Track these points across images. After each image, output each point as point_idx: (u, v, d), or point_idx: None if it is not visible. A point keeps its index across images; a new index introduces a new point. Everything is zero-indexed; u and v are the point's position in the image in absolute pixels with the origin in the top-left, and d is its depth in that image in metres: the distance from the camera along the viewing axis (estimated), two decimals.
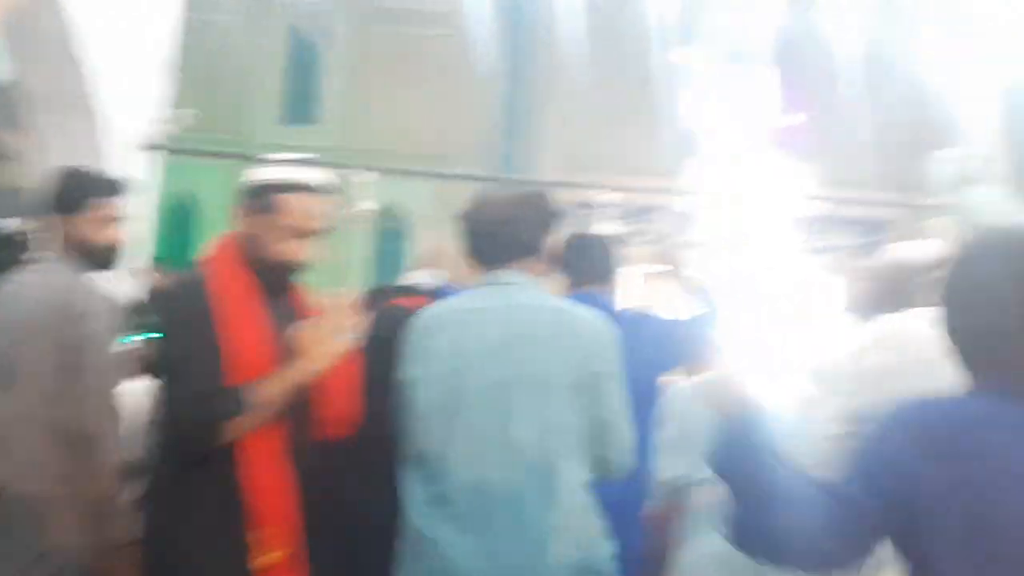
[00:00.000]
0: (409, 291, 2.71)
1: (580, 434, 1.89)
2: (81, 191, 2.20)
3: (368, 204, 6.65)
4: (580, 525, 1.86)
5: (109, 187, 2.24)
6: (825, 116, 10.00)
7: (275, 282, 1.98)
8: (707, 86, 9.96)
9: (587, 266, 2.81)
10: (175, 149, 5.47)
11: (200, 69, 8.35)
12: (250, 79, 10.85)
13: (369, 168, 6.81)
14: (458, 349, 1.92)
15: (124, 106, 4.56)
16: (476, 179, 10.21)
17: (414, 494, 1.90)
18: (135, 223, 4.73)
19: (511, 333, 1.93)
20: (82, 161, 4.33)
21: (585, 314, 1.99)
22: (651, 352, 2.61)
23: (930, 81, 9.75)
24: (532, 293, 2.02)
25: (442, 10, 10.48)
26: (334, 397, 1.97)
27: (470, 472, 1.85)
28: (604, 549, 1.90)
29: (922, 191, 10.28)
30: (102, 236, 2.20)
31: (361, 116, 10.76)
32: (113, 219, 2.22)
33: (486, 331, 1.94)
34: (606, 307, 2.52)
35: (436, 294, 2.52)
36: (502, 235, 2.03)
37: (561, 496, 1.84)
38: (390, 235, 9.98)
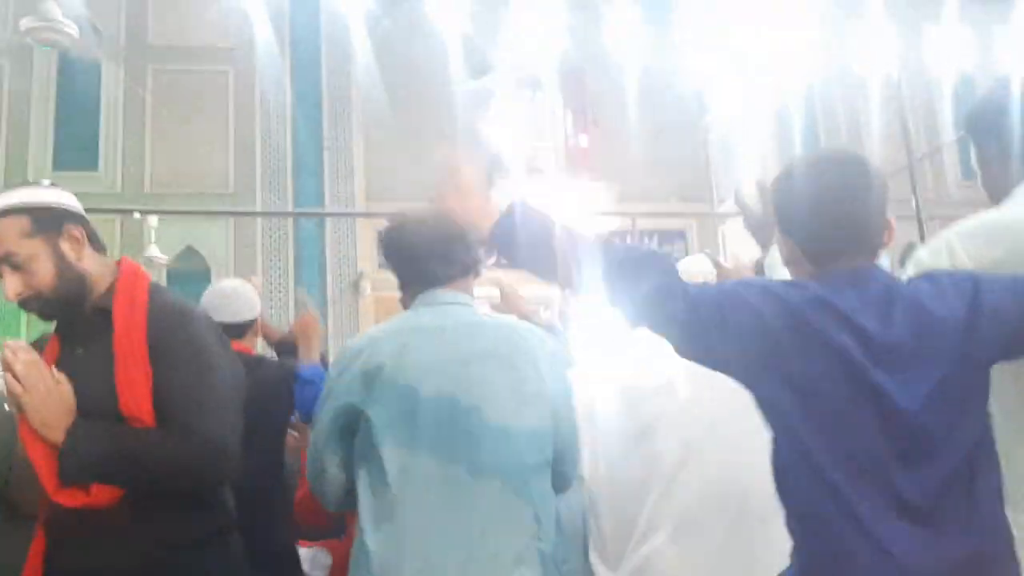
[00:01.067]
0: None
1: (546, 450, 1.88)
2: None
3: (154, 248, 6.22)
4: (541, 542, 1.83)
5: None
6: (610, 137, 10.40)
7: None
8: (503, 111, 10.14)
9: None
10: None
11: None
12: (19, 126, 10.01)
13: (152, 211, 6.39)
14: (412, 370, 1.84)
15: None
16: (272, 215, 9.92)
17: (366, 518, 1.80)
18: None
19: (464, 351, 1.88)
20: None
21: (531, 329, 1.99)
22: None
23: (706, 99, 10.42)
24: (473, 311, 1.99)
25: (221, 46, 10.10)
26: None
27: (434, 488, 1.78)
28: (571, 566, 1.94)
29: (708, 201, 10.99)
30: None
31: (141, 158, 10.15)
32: None
33: (439, 350, 1.87)
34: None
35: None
36: (443, 255, 1.98)
37: (537, 517, 1.82)
38: (190, 276, 9.44)
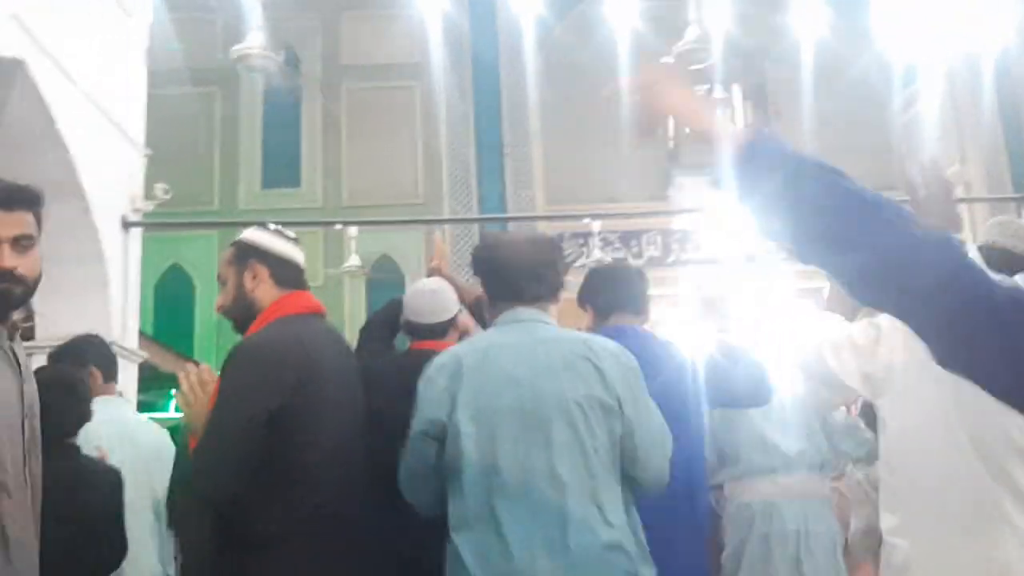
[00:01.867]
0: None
1: (613, 456, 1.95)
2: None
3: (355, 259, 6.66)
4: (622, 547, 1.90)
5: None
6: (790, 126, 10.08)
7: None
8: None
9: (614, 298, 2.76)
10: (156, 224, 5.49)
11: (174, 144, 8.40)
12: (230, 148, 10.92)
13: (352, 223, 6.83)
14: (492, 384, 1.98)
15: (106, 187, 4.60)
16: (460, 221, 10.33)
17: (455, 524, 1.95)
18: (121, 299, 4.75)
19: (540, 365, 1.99)
20: (74, 244, 4.37)
21: (606, 344, 2.08)
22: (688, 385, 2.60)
23: (892, 83, 9.92)
24: (554, 329, 2.11)
25: (407, 63, 10.61)
26: None
27: (517, 501, 1.90)
28: (646, 572, 1.94)
29: (896, 189, 10.43)
30: None
31: (339, 173, 10.83)
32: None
33: (516, 364, 2.00)
34: (637, 339, 2.53)
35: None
36: (534, 275, 2.12)
37: (608, 517, 1.89)
38: (384, 285, 9.99)
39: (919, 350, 1.13)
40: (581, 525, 1.87)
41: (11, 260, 1.69)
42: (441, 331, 2.84)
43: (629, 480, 1.99)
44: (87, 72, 4.30)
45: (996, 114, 9.46)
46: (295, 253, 2.29)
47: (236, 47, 7.69)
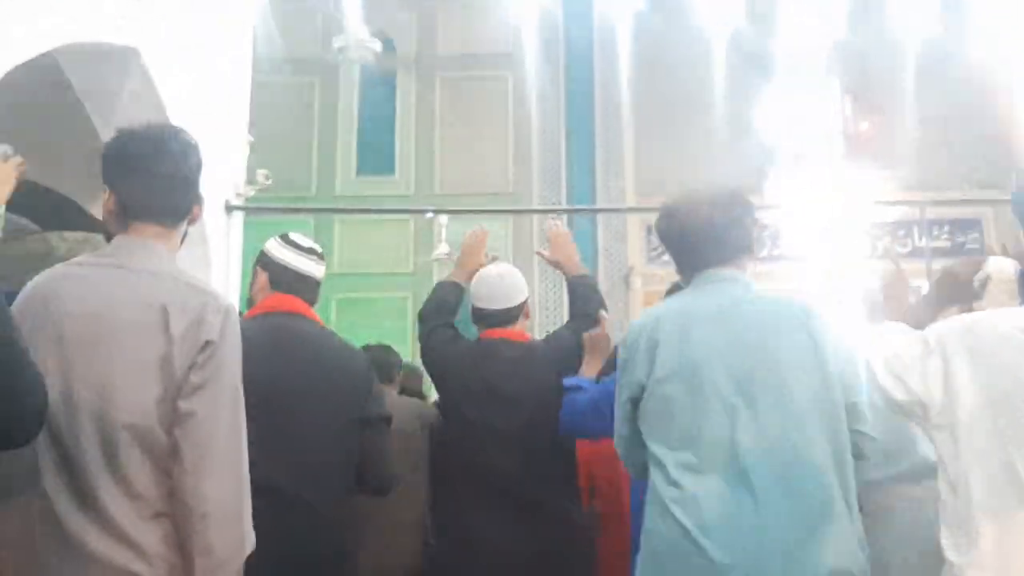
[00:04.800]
0: None
1: (831, 419, 1.87)
2: None
3: (444, 247, 6.76)
4: (841, 528, 1.82)
5: None
6: (894, 120, 9.79)
7: None
8: (776, 101, 9.87)
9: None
10: (256, 208, 5.67)
11: (274, 131, 8.64)
12: (327, 137, 11.17)
13: (443, 211, 6.93)
14: (696, 350, 1.93)
15: (211, 172, 4.76)
16: (549, 211, 10.34)
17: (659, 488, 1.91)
18: (223, 280, 4.93)
19: (739, 329, 1.94)
20: None
21: (801, 303, 2.01)
22: None
23: (996, 74, 9.51)
24: (747, 287, 2.04)
25: (501, 52, 10.66)
26: None
27: (723, 465, 1.84)
28: (860, 558, 1.85)
29: (1006, 187, 10.00)
30: None
31: (431, 162, 10.97)
32: None
33: (717, 330, 1.94)
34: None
35: None
36: (715, 238, 2.04)
37: (831, 499, 1.82)
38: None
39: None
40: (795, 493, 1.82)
41: None
42: (511, 318, 2.85)
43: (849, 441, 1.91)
44: (196, 61, 4.46)
45: None
46: (299, 262, 2.52)
47: (337, 38, 7.84)
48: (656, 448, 1.92)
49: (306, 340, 2.45)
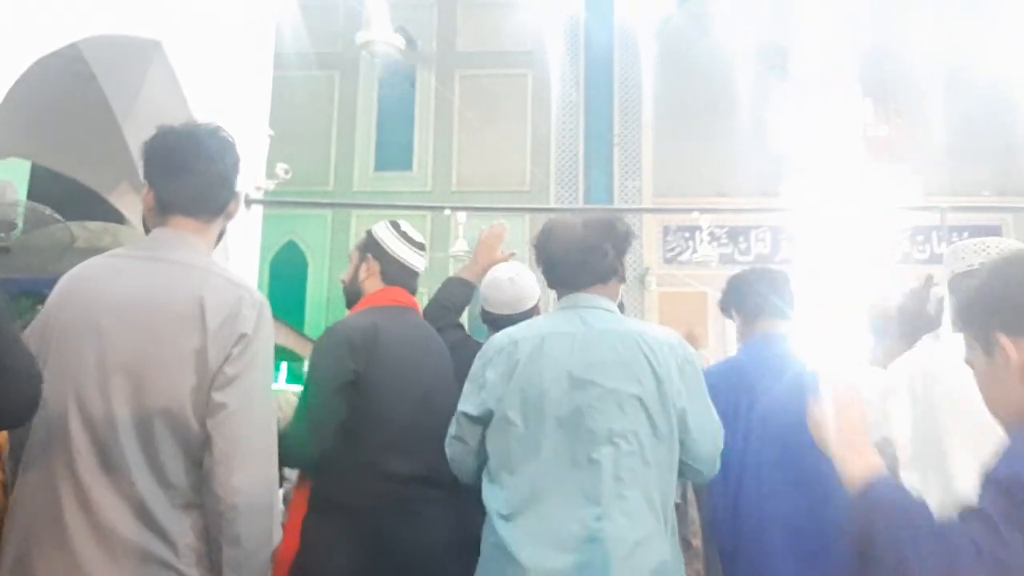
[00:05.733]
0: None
1: (660, 451, 1.91)
2: None
3: (462, 243, 6.78)
4: (659, 543, 1.87)
5: None
6: (914, 126, 9.75)
7: None
8: (795, 103, 9.84)
9: (763, 302, 2.61)
10: (275, 202, 5.70)
11: (294, 125, 8.68)
12: (346, 131, 11.23)
13: (460, 208, 6.95)
14: (543, 374, 1.95)
15: None
16: (565, 211, 10.35)
17: (493, 510, 1.93)
18: (241, 272, 4.97)
19: (590, 358, 1.96)
20: None
21: (660, 335, 2.02)
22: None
23: (1017, 81, 9.45)
24: (610, 317, 2.05)
25: (520, 50, 10.67)
26: None
27: (552, 494, 1.87)
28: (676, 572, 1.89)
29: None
30: None
31: (449, 159, 11.01)
32: None
33: (568, 357, 1.96)
34: (787, 353, 2.46)
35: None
36: (580, 263, 2.06)
37: (642, 517, 1.86)
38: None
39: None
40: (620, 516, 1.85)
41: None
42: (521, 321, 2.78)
43: (688, 470, 1.96)
44: (218, 54, 4.50)
45: None
46: (412, 258, 2.48)
47: (360, 34, 7.87)
48: (496, 462, 1.97)
49: (431, 336, 2.51)
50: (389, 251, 2.47)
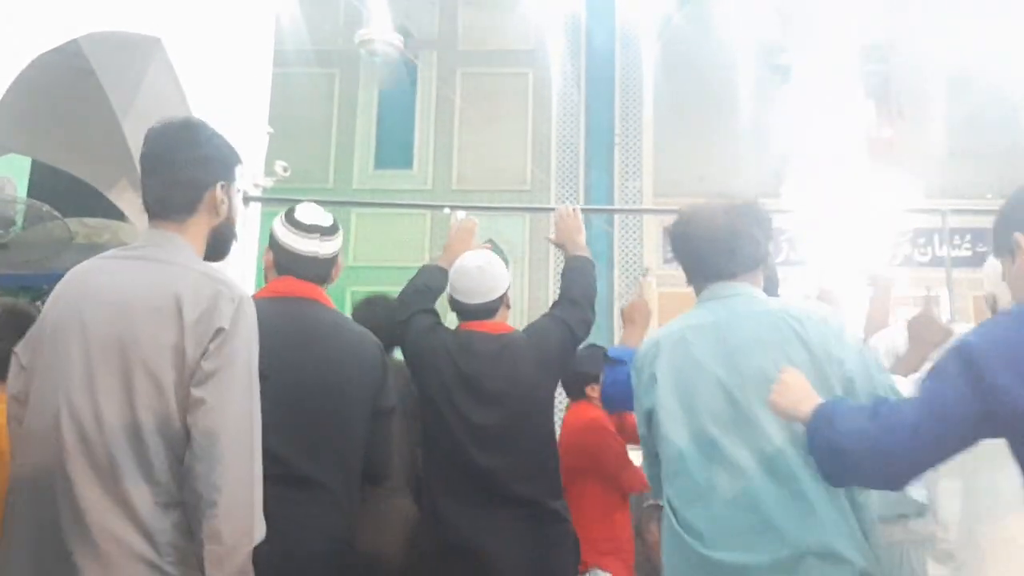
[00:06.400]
0: None
1: None
2: None
3: None
4: (836, 529, 1.79)
5: None
6: (917, 127, 9.73)
7: None
8: (797, 104, 9.82)
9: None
10: (275, 199, 5.68)
11: (293, 122, 8.65)
12: (346, 129, 11.20)
13: (460, 207, 6.92)
14: (688, 368, 1.91)
15: None
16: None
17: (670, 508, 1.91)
18: (239, 270, 4.95)
19: (732, 344, 1.90)
20: None
21: (808, 309, 1.95)
22: None
23: (1021, 82, 9.43)
24: (753, 302, 1.98)
25: (522, 49, 10.65)
26: None
27: (726, 485, 1.83)
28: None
29: None
30: None
31: (450, 157, 10.98)
32: None
33: (711, 346, 1.91)
34: None
35: None
36: (728, 250, 1.98)
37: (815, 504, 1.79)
38: None
39: None
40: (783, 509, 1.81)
41: None
42: (490, 311, 2.76)
43: None
44: (217, 51, 4.48)
45: None
46: (298, 243, 2.44)
47: (360, 31, 7.81)
48: (665, 465, 1.96)
49: (318, 328, 2.39)
50: (278, 240, 2.46)
